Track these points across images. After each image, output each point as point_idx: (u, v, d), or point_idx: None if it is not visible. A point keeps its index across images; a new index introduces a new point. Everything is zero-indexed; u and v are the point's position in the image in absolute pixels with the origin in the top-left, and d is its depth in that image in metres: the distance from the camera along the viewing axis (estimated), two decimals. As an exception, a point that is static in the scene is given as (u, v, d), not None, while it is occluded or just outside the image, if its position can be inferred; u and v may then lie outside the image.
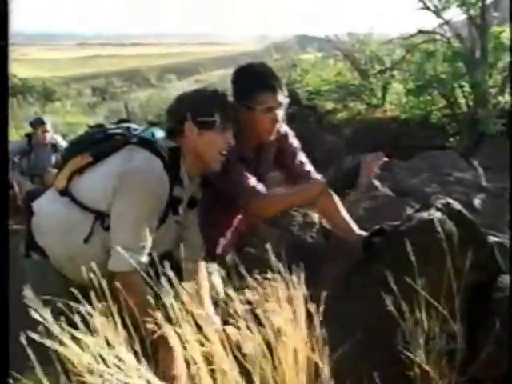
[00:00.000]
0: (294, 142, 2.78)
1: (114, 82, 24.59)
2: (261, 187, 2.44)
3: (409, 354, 1.47)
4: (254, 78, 2.45)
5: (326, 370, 1.37)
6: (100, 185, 2.02)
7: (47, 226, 2.10)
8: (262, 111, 2.41)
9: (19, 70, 32.25)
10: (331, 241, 3.05)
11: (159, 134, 2.16)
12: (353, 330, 1.46)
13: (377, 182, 5.17)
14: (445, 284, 1.63)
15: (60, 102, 29.33)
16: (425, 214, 1.87)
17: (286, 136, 2.73)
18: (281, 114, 2.47)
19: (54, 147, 6.69)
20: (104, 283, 1.51)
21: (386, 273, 1.55)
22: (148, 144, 2.05)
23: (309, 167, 2.78)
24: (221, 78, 21.47)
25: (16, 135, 11.52)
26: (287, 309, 1.43)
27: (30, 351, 1.30)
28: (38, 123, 6.67)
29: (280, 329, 1.37)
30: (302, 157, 2.78)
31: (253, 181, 2.44)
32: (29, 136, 6.70)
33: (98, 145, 2.11)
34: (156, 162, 2.00)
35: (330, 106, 13.19)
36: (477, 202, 4.69)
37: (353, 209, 4.40)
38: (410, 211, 3.32)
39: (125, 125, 2.22)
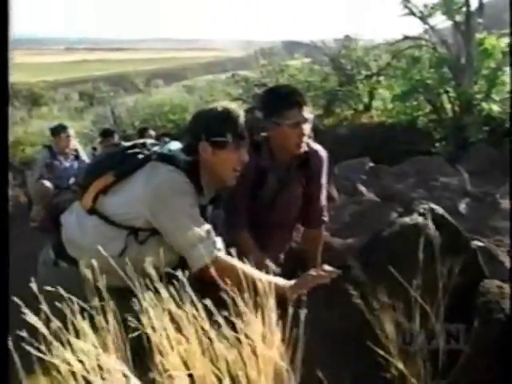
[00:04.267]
0: (324, 162, 2.84)
1: (101, 87, 24.38)
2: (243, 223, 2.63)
3: (389, 358, 1.47)
4: (281, 97, 2.58)
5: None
6: (130, 205, 2.08)
7: (80, 242, 2.13)
8: (289, 126, 2.54)
9: (5, 74, 32.02)
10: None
11: (174, 146, 2.24)
12: (334, 338, 1.46)
13: (362, 188, 5.20)
14: (427, 289, 1.63)
15: (47, 106, 29.19)
16: (407, 219, 1.87)
17: (315, 152, 2.80)
18: (307, 128, 2.59)
19: (76, 154, 6.44)
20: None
21: (365, 279, 1.55)
22: (168, 159, 2.13)
23: (323, 201, 2.89)
24: (208, 84, 21.40)
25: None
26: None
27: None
28: (60, 129, 6.35)
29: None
30: (323, 181, 2.85)
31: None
32: (49, 147, 6.35)
33: (119, 165, 2.16)
34: (179, 173, 2.08)
35: (316, 111, 13.24)
36: (462, 206, 4.73)
37: (338, 214, 4.43)
38: (395, 216, 3.33)
39: (140, 141, 2.29)
